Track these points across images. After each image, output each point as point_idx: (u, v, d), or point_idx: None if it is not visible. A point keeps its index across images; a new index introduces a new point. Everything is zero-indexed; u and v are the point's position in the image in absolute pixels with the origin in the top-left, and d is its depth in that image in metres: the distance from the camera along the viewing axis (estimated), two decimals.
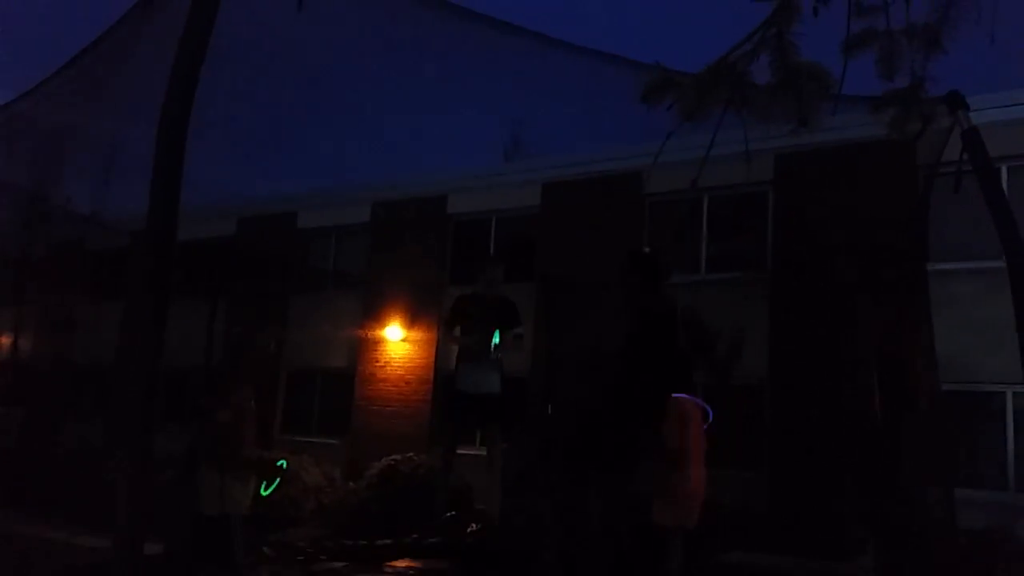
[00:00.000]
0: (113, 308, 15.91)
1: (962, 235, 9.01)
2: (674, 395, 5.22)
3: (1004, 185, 7.77)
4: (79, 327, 16.61)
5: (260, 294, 15.02)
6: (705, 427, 5.31)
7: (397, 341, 13.81)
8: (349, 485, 9.83)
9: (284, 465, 5.17)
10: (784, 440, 10.05)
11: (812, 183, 10.30)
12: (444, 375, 12.88)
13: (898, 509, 7.09)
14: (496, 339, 6.21)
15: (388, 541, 7.59)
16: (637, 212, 11.84)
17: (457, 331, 6.55)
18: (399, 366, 13.78)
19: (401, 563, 6.36)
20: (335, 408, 14.41)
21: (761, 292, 10.63)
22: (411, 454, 9.50)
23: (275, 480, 5.07)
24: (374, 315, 14.11)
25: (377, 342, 14.04)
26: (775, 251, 10.79)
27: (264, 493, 5.04)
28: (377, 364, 14.03)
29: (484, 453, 6.61)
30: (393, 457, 9.60)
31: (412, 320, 13.79)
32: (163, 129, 2.82)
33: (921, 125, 4.08)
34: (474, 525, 6.35)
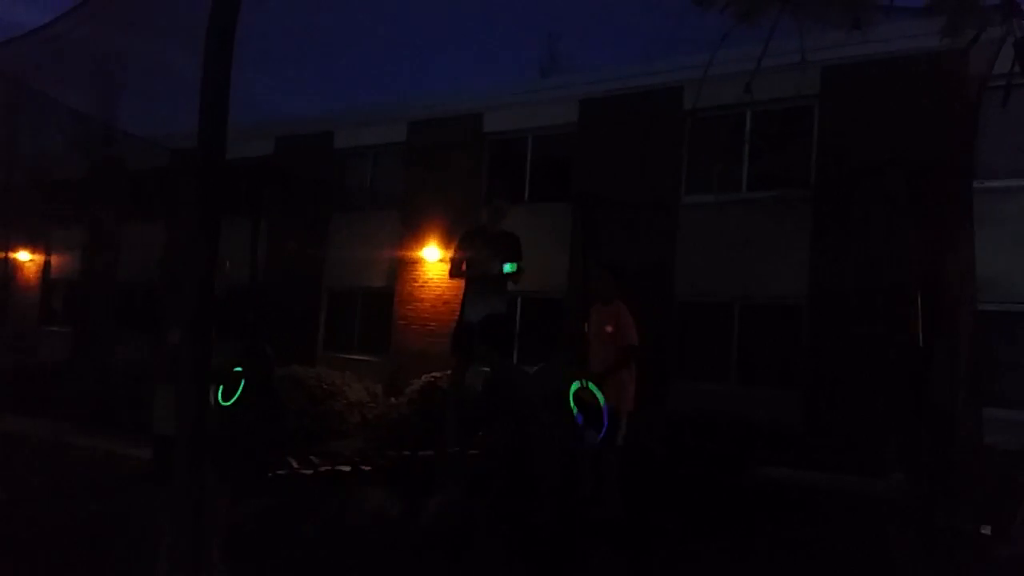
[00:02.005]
0: (154, 227, 16.21)
1: (1005, 151, 8.73)
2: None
3: None
4: (123, 245, 16.93)
5: (300, 214, 15.15)
6: None
7: (435, 261, 13.91)
8: (391, 401, 10.08)
9: (241, 370, 5.07)
10: (821, 359, 10.03)
11: (859, 97, 9.97)
12: None
13: (932, 428, 7.10)
14: (509, 267, 6.25)
15: (430, 452, 7.85)
16: (677, 128, 11.61)
17: (463, 264, 6.51)
18: (437, 286, 13.91)
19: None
20: (375, 327, 14.66)
21: (803, 211, 10.45)
22: (450, 372, 9.68)
23: (237, 388, 4.99)
24: (412, 235, 14.18)
25: (415, 262, 14.15)
26: (819, 168, 10.55)
27: (226, 403, 4.98)
28: (416, 284, 14.17)
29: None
30: (433, 374, 9.80)
31: (449, 240, 13.83)
32: (210, 43, 2.82)
33: (975, 32, 3.92)
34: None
